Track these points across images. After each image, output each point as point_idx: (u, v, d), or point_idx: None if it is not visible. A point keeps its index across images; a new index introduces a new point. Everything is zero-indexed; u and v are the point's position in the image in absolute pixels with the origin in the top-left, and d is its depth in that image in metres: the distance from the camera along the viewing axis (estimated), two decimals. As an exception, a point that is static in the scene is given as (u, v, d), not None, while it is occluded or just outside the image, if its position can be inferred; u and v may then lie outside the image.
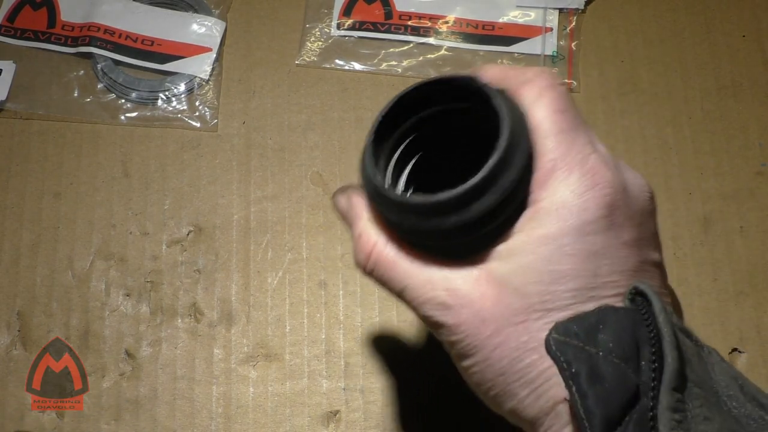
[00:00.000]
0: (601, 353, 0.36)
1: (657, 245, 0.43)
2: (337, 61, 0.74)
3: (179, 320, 0.65)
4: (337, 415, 0.62)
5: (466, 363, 0.41)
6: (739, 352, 0.64)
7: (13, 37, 0.75)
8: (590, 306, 0.39)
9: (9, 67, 0.74)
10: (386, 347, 0.64)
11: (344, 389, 0.63)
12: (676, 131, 0.71)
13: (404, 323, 0.64)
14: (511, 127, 0.39)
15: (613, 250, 0.39)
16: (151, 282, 0.67)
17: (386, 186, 0.43)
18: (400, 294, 0.43)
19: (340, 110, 0.72)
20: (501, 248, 0.40)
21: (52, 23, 0.76)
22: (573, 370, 0.36)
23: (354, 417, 0.62)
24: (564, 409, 0.38)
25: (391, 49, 0.75)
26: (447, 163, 0.46)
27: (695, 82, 0.73)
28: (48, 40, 0.75)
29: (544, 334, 0.37)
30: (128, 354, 0.64)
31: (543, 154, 0.40)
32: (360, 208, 0.45)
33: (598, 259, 0.39)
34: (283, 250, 0.68)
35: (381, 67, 0.74)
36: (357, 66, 0.74)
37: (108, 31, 0.75)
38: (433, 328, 0.42)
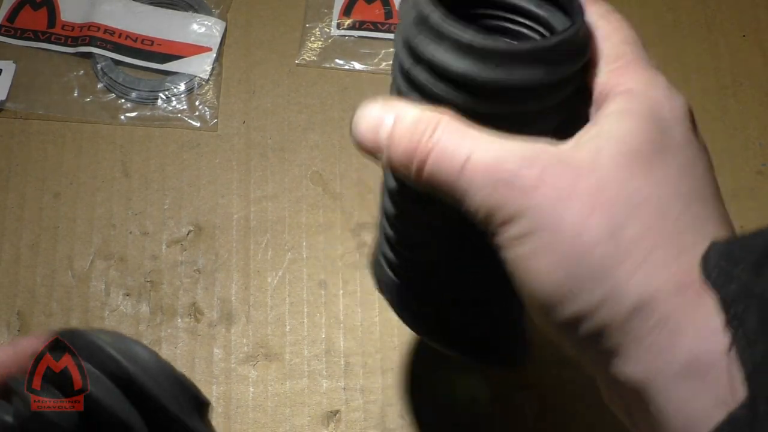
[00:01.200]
0: None
1: None
2: (337, 60, 0.74)
3: (179, 320, 0.65)
4: (337, 415, 0.62)
5: (527, 245, 0.32)
6: (740, 351, 0.64)
7: (13, 37, 0.75)
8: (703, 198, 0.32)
9: (9, 67, 0.74)
10: (386, 347, 0.64)
11: (344, 389, 0.63)
12: (676, 131, 0.71)
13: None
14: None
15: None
16: (151, 282, 0.67)
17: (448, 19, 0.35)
18: (460, 174, 0.33)
19: (339, 110, 0.72)
20: (586, 131, 0.34)
21: (52, 23, 0.76)
22: (740, 310, 0.28)
23: (354, 417, 0.62)
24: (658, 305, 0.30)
25: (391, 49, 0.75)
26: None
27: (695, 82, 0.73)
28: (48, 40, 0.75)
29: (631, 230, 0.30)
30: (128, 354, 0.64)
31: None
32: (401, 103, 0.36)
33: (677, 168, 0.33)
34: (283, 249, 0.68)
35: (381, 67, 0.74)
36: (357, 65, 0.74)
37: (108, 30, 0.75)
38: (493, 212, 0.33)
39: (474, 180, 0.33)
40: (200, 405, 0.37)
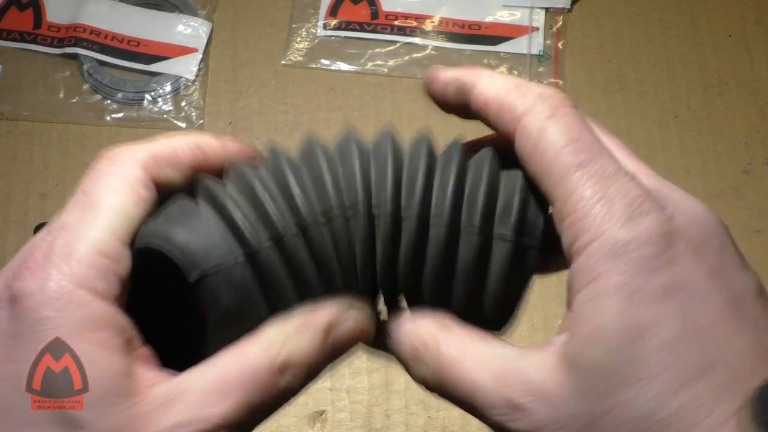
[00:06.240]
0: None
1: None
2: (323, 61, 0.74)
3: (165, 321, 0.65)
4: (323, 415, 0.62)
5: None
6: (725, 350, 0.64)
7: (-1, 38, 0.75)
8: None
9: (-5, 68, 0.74)
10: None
11: (330, 389, 0.63)
12: (662, 130, 0.71)
13: (390, 323, 0.64)
14: None
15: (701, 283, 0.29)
16: (137, 283, 0.67)
17: None
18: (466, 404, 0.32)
19: (326, 110, 0.72)
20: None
21: (38, 24, 0.75)
22: None
23: (340, 417, 0.62)
24: None
25: (377, 49, 0.75)
26: None
27: (681, 81, 0.73)
28: (34, 41, 0.75)
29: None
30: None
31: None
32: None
33: (688, 297, 0.28)
34: (270, 250, 0.68)
35: (367, 67, 0.74)
36: (343, 66, 0.74)
37: (94, 31, 0.74)
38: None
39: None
40: None
